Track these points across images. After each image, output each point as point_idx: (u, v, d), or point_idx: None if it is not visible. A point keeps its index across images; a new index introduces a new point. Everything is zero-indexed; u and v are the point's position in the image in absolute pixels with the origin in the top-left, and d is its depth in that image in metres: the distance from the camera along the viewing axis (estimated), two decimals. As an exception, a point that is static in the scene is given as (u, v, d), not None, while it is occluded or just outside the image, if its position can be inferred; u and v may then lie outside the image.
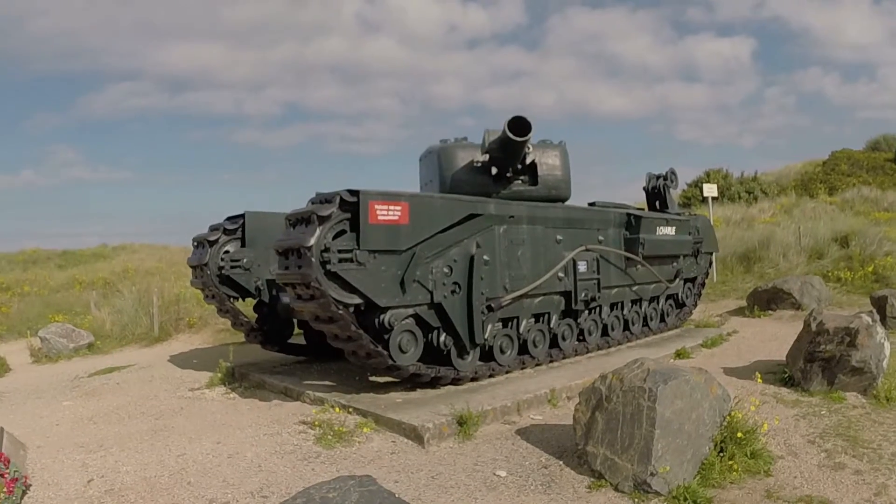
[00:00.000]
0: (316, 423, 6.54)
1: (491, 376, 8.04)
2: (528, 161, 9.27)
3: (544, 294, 8.60)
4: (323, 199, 6.52)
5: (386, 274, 6.73)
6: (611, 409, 5.21)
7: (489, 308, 7.66)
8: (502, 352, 8.15)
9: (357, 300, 6.57)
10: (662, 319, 11.36)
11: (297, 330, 10.20)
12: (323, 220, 6.29)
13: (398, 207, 6.72)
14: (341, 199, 6.38)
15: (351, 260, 6.44)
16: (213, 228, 9.34)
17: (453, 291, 7.30)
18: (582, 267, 9.16)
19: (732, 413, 5.28)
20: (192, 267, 9.53)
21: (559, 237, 8.83)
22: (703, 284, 12.46)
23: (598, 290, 9.42)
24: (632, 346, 10.29)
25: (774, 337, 10.83)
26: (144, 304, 15.25)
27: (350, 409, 6.90)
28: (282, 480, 5.23)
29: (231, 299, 9.33)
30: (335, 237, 6.40)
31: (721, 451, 5.09)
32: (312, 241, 6.17)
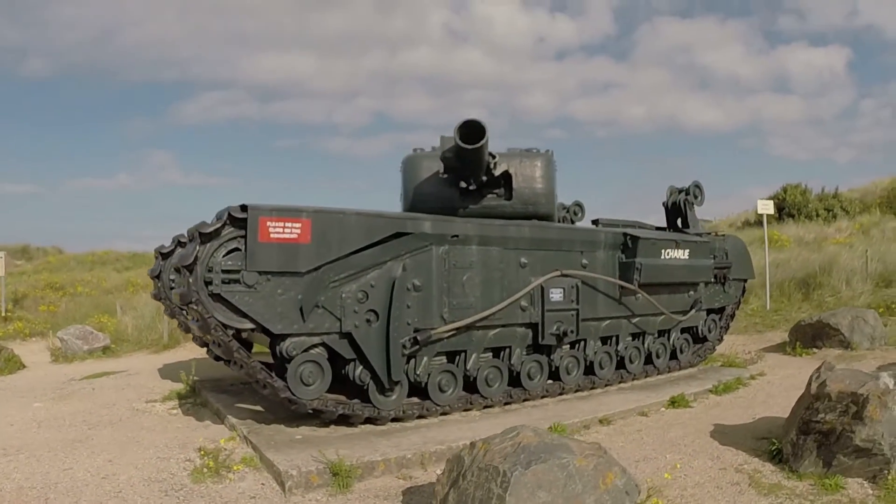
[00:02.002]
0: (204, 452, 5.89)
1: (421, 417, 6.85)
2: (496, 172, 7.82)
3: (503, 325, 7.31)
4: (220, 215, 5.88)
5: (283, 298, 5.91)
6: (463, 488, 3.91)
7: (414, 341, 6.51)
8: (441, 390, 6.96)
9: (248, 325, 5.86)
10: (674, 356, 9.62)
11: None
12: (207, 237, 5.66)
13: (297, 224, 5.89)
14: (230, 214, 5.73)
15: (238, 281, 5.73)
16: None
17: (368, 320, 6.29)
18: (556, 295, 7.69)
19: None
20: (152, 279, 8.74)
21: (524, 260, 7.44)
22: (732, 316, 10.58)
23: (577, 323, 7.90)
24: (624, 387, 8.67)
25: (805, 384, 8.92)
26: (161, 310, 14.67)
27: (248, 441, 6.13)
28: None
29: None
30: (226, 255, 5.74)
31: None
32: (191, 260, 5.57)
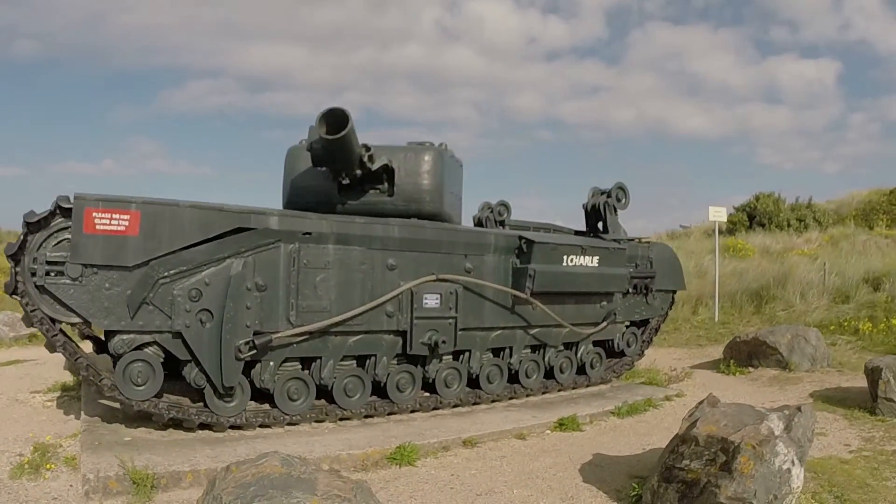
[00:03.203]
0: (35, 447, 5.51)
1: (265, 426, 6.17)
2: (373, 165, 6.83)
3: (366, 332, 6.52)
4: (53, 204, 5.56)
5: (110, 293, 5.51)
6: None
7: (252, 345, 5.85)
8: (291, 398, 6.27)
9: (75, 319, 5.59)
10: (583, 372, 8.50)
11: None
12: (36, 226, 5.42)
13: (125, 216, 5.49)
14: (59, 204, 5.44)
15: (63, 273, 5.41)
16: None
17: (202, 321, 5.73)
18: (431, 301, 6.77)
19: None
20: None
21: (392, 262, 6.60)
22: (656, 329, 9.45)
23: (455, 332, 6.91)
24: (516, 404, 7.57)
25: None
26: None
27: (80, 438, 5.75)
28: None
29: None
30: (55, 246, 5.47)
31: None
32: (15, 250, 5.36)
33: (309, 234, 6.14)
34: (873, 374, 7.39)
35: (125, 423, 6.01)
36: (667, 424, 7.18)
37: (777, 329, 10.02)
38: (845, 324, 11.78)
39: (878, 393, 7.21)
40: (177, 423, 5.89)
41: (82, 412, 6.43)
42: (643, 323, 9.21)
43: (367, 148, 6.80)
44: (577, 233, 9.06)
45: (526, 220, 9.46)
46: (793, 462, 4.24)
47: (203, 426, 5.93)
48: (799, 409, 4.59)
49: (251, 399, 6.18)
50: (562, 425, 6.84)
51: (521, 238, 7.45)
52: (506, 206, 9.91)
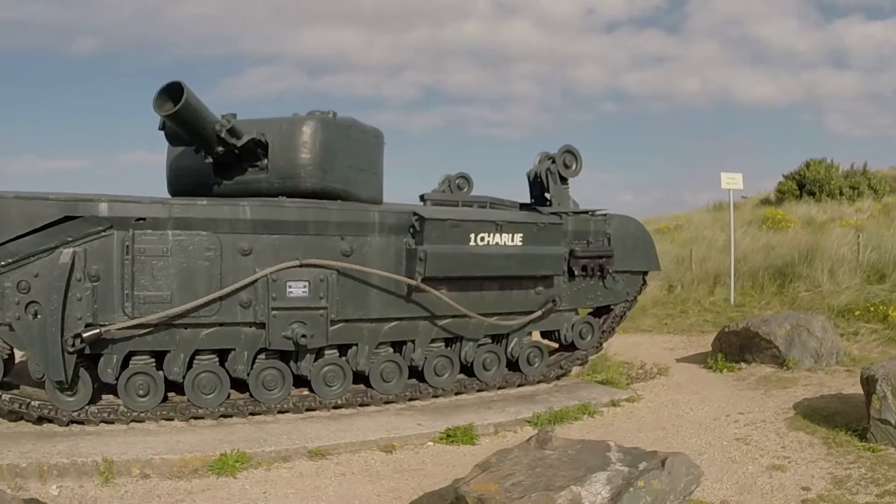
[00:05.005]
0: None
1: (107, 422, 5.61)
2: (238, 141, 5.93)
3: (220, 325, 5.73)
4: None
5: None
6: None
7: (79, 338, 5.25)
8: (138, 395, 5.65)
9: None
10: (517, 368, 6.98)
11: None
12: None
13: None
14: None
15: None
16: None
17: (35, 313, 5.26)
18: (297, 290, 5.77)
19: None
20: None
21: (246, 247, 5.73)
22: (621, 317, 7.76)
23: (327, 325, 5.88)
24: (416, 406, 6.32)
25: (677, 421, 6.19)
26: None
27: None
28: None
29: None
30: None
31: None
32: None
33: (143, 219, 5.50)
34: (868, 384, 5.56)
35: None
36: (596, 438, 5.64)
37: (773, 317, 8.14)
38: (872, 309, 9.71)
39: (871, 412, 5.39)
40: (20, 417, 5.50)
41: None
42: (604, 310, 7.57)
43: (228, 121, 5.90)
44: (523, 206, 7.50)
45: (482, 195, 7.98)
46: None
47: (44, 420, 5.49)
48: (662, 463, 3.02)
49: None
50: (450, 437, 5.50)
51: (414, 214, 6.12)
52: (466, 178, 8.65)
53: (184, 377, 5.67)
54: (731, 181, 11.80)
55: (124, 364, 5.56)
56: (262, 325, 5.76)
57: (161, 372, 5.62)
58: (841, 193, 20.53)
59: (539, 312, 6.81)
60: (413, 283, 5.98)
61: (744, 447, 5.39)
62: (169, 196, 6.38)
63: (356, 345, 6.14)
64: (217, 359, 5.83)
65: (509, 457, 3.40)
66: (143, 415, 5.62)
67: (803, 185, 21.69)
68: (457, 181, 8.60)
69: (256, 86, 76.98)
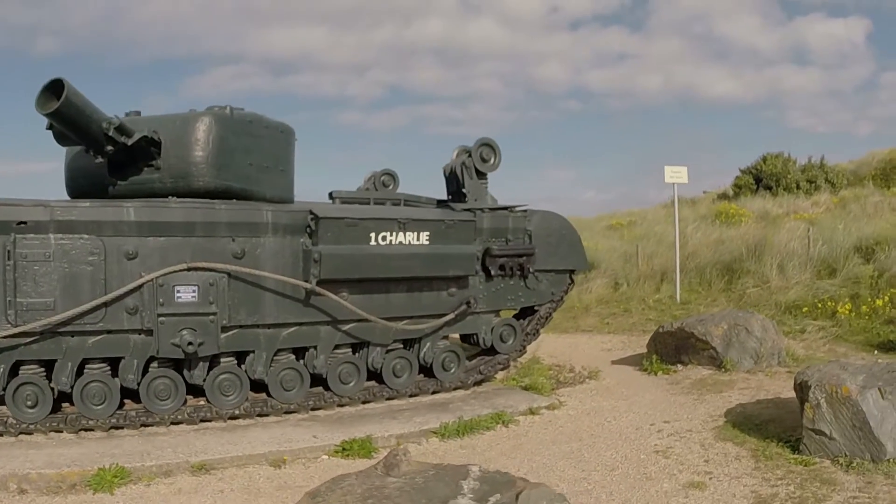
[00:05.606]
0: None
1: None
2: (128, 140, 5.56)
3: (107, 332, 5.41)
4: None
5: None
6: None
7: None
8: (26, 405, 5.31)
9: None
10: (431, 374, 6.40)
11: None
12: None
13: None
14: None
15: None
16: None
17: None
18: (186, 294, 5.47)
19: None
20: None
21: (130, 250, 5.41)
22: (546, 318, 7.19)
23: (217, 331, 5.55)
24: (316, 416, 5.88)
25: (596, 431, 5.62)
26: None
27: None
28: None
29: None
30: None
31: None
32: None
33: (24, 223, 5.22)
34: (801, 391, 5.03)
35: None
36: (503, 450, 5.09)
37: (710, 317, 7.62)
38: (821, 305, 9.27)
39: (804, 421, 4.86)
40: None
41: None
42: (528, 311, 7.00)
43: (116, 119, 5.58)
44: (440, 203, 6.95)
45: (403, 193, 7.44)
46: None
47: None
48: (517, 496, 2.42)
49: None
50: (345, 450, 4.99)
51: (309, 213, 5.69)
52: (392, 175, 8.17)
53: (72, 387, 5.32)
54: (676, 175, 11.30)
55: (13, 373, 5.23)
56: (150, 333, 5.42)
57: (50, 382, 5.28)
58: (798, 187, 20.28)
59: (452, 315, 6.25)
60: (308, 286, 5.55)
61: (662, 461, 4.83)
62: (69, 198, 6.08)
63: (253, 352, 5.75)
64: (109, 368, 5.49)
65: (342, 485, 2.79)
66: (31, 426, 5.28)
67: (760, 180, 21.44)
68: (382, 178, 8.09)
69: (220, 85, 75.60)
